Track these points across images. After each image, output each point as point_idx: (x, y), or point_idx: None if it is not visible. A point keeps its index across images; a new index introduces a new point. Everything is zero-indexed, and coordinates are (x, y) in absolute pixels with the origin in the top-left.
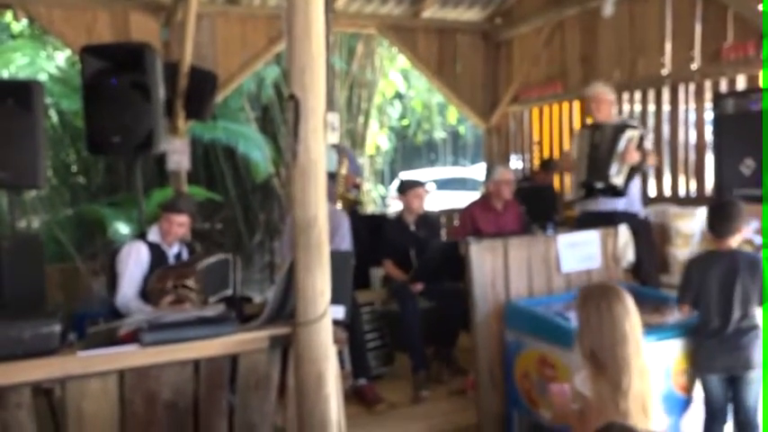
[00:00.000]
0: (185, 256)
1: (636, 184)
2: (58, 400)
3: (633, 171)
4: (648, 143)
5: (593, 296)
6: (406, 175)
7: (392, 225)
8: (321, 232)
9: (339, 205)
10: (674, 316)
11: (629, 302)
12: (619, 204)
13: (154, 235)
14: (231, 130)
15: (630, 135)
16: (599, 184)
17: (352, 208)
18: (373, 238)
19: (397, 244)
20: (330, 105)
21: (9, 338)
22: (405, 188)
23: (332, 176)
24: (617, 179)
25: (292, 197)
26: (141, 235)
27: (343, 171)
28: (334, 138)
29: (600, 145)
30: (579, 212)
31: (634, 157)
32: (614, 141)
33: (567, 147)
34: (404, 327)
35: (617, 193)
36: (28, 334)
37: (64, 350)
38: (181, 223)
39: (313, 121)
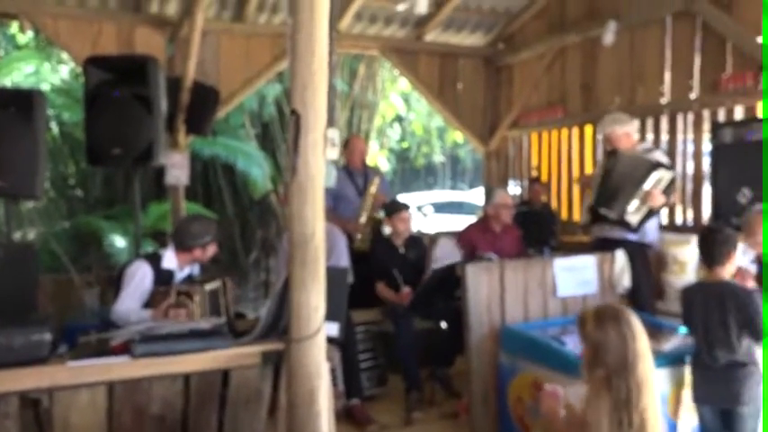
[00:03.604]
0: (196, 273)
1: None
2: (44, 411)
3: (652, 212)
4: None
5: (610, 315)
6: (404, 197)
7: (382, 247)
8: (318, 248)
9: (363, 219)
10: (671, 343)
11: (639, 322)
12: (631, 235)
13: (169, 262)
14: (231, 147)
15: (660, 176)
16: (603, 211)
17: (377, 228)
18: None
19: (386, 266)
20: (330, 122)
21: None
22: (390, 212)
23: (360, 194)
24: (633, 217)
25: (290, 212)
26: (154, 255)
27: (373, 190)
28: (333, 153)
29: (613, 172)
30: (593, 237)
31: (658, 200)
32: (642, 178)
33: (565, 173)
34: (398, 347)
35: (627, 227)
36: (18, 342)
37: (54, 360)
38: (213, 253)
39: (313, 137)
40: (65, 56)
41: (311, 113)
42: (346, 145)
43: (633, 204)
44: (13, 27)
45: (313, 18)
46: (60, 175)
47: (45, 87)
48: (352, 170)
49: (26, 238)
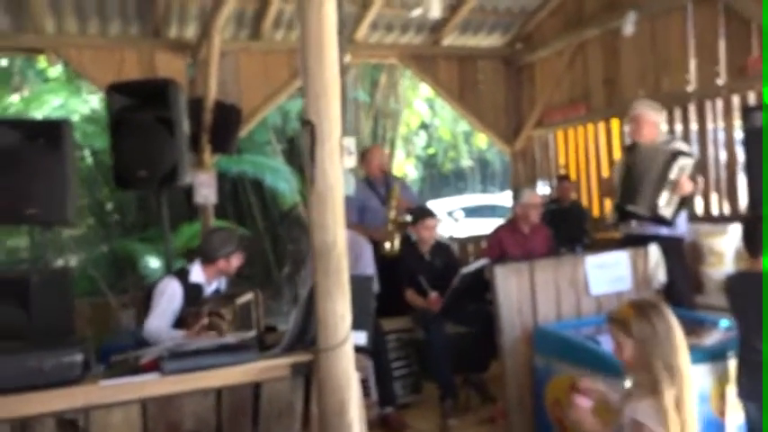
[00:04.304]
0: (223, 288)
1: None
2: (82, 431)
3: (684, 202)
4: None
5: (650, 307)
6: (433, 203)
7: (409, 254)
8: (340, 256)
9: (390, 226)
10: (712, 337)
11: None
12: (662, 229)
13: (197, 276)
14: (258, 163)
15: (683, 164)
16: (630, 208)
17: (406, 232)
18: None
19: (413, 273)
20: (345, 130)
21: (30, 369)
22: (415, 219)
23: (383, 202)
24: (666, 210)
25: (311, 221)
26: (182, 271)
27: (395, 196)
28: (350, 162)
29: (634, 168)
30: (623, 235)
31: (687, 188)
32: (665, 170)
33: (593, 170)
34: (430, 354)
35: (662, 221)
36: (49, 364)
37: (86, 380)
38: (239, 264)
39: (329, 146)
40: (93, 86)
41: (326, 123)
42: (364, 156)
43: (663, 198)
44: (42, 62)
45: (322, 28)
46: (97, 203)
47: (75, 117)
48: (373, 180)
49: (68, 264)
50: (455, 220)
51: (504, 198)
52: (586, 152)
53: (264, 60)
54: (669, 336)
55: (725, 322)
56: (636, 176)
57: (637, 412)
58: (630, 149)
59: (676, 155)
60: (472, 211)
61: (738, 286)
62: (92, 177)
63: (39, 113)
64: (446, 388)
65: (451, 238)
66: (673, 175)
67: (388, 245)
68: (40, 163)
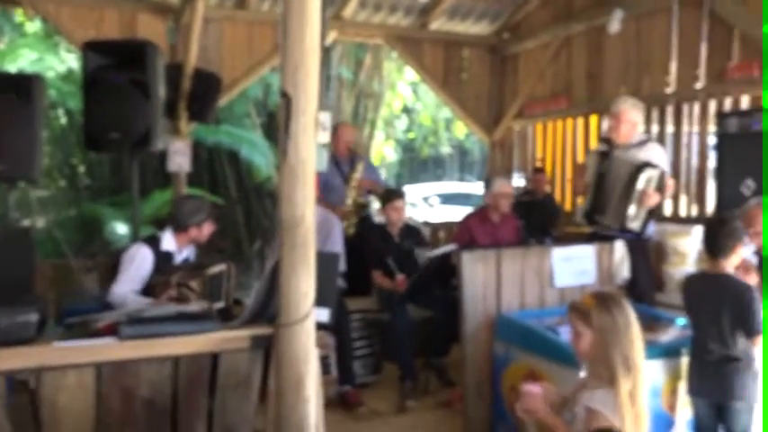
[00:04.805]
0: (192, 258)
1: None
2: (32, 392)
3: (652, 213)
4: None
5: (612, 299)
6: (410, 188)
7: (376, 235)
8: (307, 232)
9: (348, 207)
10: (668, 334)
11: None
12: (628, 234)
13: (168, 244)
14: (235, 135)
15: (649, 175)
16: (599, 219)
17: (362, 213)
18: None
19: (381, 254)
20: (322, 105)
21: None
22: (383, 201)
23: (345, 181)
24: (634, 223)
25: (280, 195)
26: (153, 238)
27: (357, 176)
28: (324, 137)
29: (605, 176)
30: (590, 231)
31: (653, 200)
32: (631, 182)
33: (569, 164)
34: (393, 336)
35: (630, 233)
36: (3, 322)
37: (41, 341)
38: (210, 232)
39: (304, 120)
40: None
41: (302, 96)
42: (333, 132)
43: (631, 209)
44: (20, 15)
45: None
46: (69, 164)
47: (50, 74)
48: (339, 158)
49: (35, 225)
50: (430, 205)
51: (481, 187)
52: (564, 146)
53: (249, 31)
54: (628, 329)
55: (681, 320)
56: (605, 188)
57: (592, 400)
58: (604, 156)
59: (642, 167)
60: (448, 198)
61: (696, 286)
62: (65, 138)
63: (13, 67)
64: (406, 369)
65: (425, 223)
66: (639, 185)
67: (344, 223)
68: (8, 117)
